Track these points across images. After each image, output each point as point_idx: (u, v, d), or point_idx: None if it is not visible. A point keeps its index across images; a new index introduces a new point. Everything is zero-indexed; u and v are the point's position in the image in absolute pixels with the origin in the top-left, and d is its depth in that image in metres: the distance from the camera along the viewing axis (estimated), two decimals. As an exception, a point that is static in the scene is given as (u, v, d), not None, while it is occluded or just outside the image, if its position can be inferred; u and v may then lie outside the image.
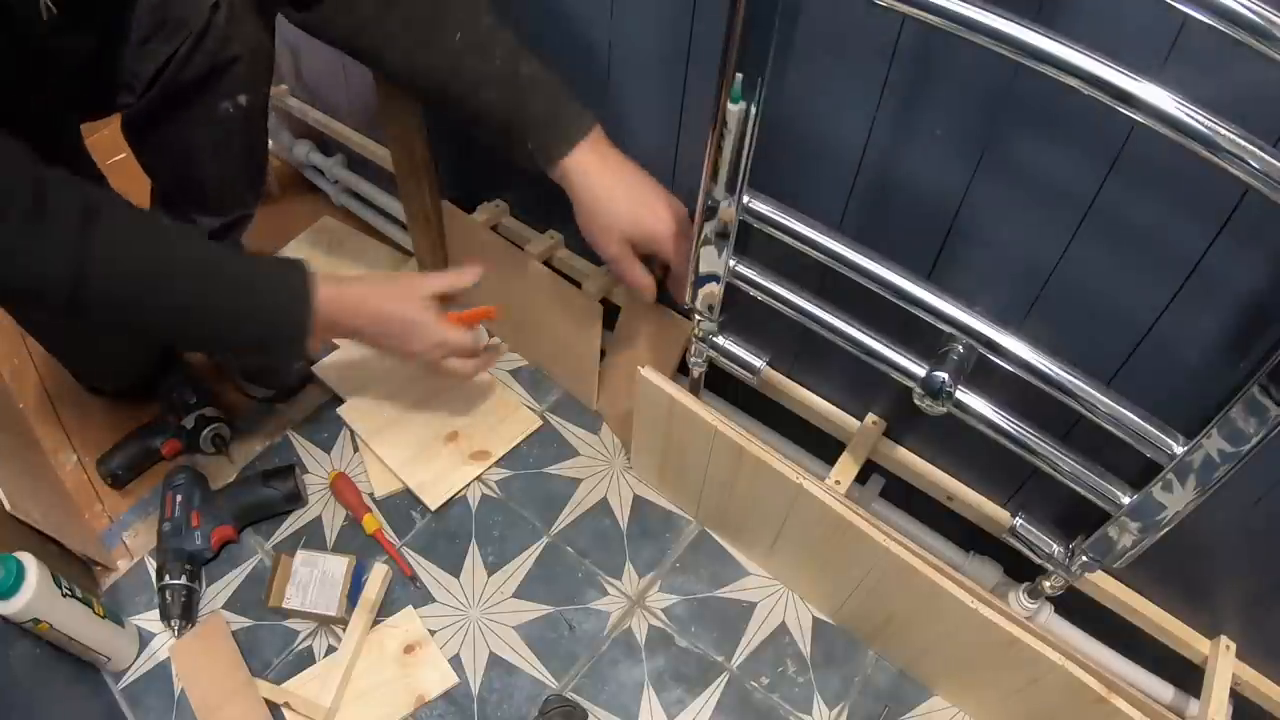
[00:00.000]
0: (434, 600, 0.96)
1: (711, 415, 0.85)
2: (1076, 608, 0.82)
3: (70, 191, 0.69)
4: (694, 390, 0.93)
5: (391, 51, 0.80)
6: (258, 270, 0.81)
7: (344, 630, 0.91)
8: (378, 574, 0.94)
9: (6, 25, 0.69)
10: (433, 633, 0.93)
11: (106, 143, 1.05)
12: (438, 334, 0.89)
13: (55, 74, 0.78)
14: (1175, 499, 0.60)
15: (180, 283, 0.75)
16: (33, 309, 0.70)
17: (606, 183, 0.80)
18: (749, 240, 0.77)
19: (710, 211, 0.70)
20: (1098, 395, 0.62)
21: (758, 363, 0.85)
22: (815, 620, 0.95)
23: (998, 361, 0.65)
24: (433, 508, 1.01)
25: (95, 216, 0.70)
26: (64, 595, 0.80)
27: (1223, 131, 0.44)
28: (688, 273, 0.81)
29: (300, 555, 0.95)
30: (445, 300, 0.91)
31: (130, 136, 0.92)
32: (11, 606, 0.75)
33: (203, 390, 1.06)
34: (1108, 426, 0.62)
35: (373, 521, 1.00)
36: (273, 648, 0.92)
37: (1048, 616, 0.83)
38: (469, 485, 1.04)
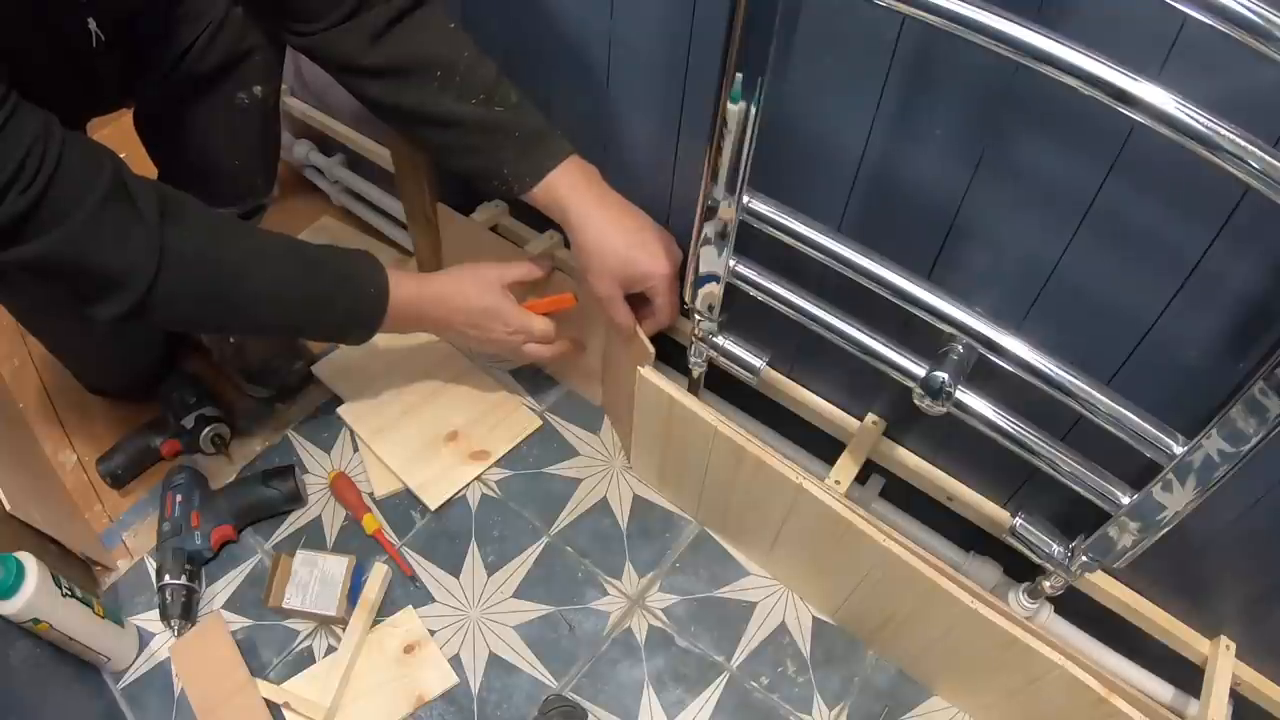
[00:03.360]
0: (434, 600, 0.96)
1: (711, 415, 0.85)
2: (1076, 608, 0.82)
3: (147, 183, 0.70)
4: (694, 390, 0.93)
5: (371, 89, 0.81)
6: (336, 260, 0.83)
7: (344, 630, 0.91)
8: (378, 574, 0.94)
9: (61, 53, 0.70)
10: (433, 633, 0.93)
11: (108, 142, 1.05)
12: (518, 320, 0.91)
13: (95, 87, 0.80)
14: (1175, 499, 0.60)
15: (263, 270, 0.77)
16: (103, 303, 0.70)
17: (605, 226, 0.81)
18: (749, 240, 0.77)
19: (710, 211, 0.70)
20: (1098, 395, 0.62)
21: (758, 363, 0.85)
22: (815, 620, 0.95)
23: (998, 361, 0.65)
24: (433, 508, 1.01)
25: (171, 208, 0.71)
26: (64, 595, 0.80)
27: (1223, 131, 0.44)
28: (671, 321, 0.87)
29: (300, 555, 0.95)
30: (520, 288, 0.93)
31: (144, 128, 0.92)
32: (11, 606, 0.75)
33: (203, 390, 1.06)
34: (1108, 426, 0.62)
35: (372, 521, 1.00)
36: (273, 648, 0.92)
37: (1048, 616, 0.83)
38: (469, 485, 1.04)
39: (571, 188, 0.81)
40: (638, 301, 0.88)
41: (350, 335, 0.86)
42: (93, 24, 0.72)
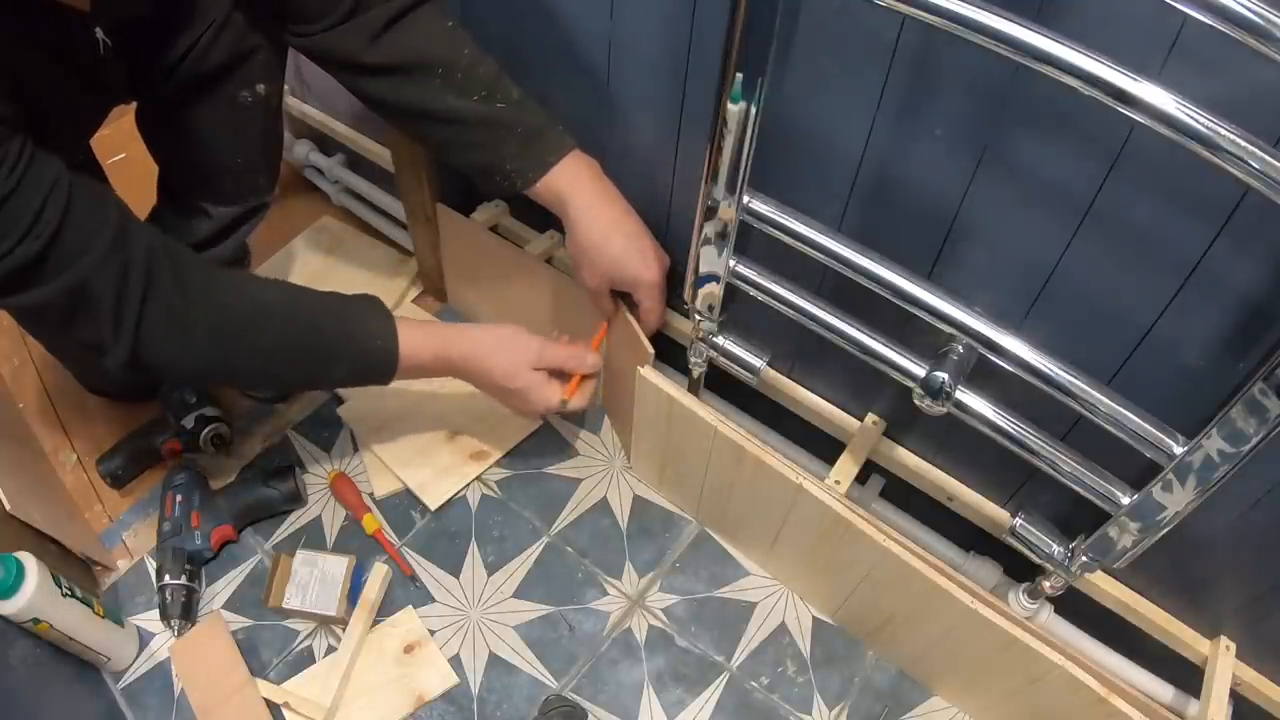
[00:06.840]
0: (434, 600, 0.96)
1: (711, 415, 0.85)
2: (1076, 608, 0.82)
3: (145, 241, 0.70)
4: (694, 390, 0.93)
5: (372, 87, 0.81)
6: (336, 315, 0.82)
7: (344, 630, 0.91)
8: (378, 574, 0.94)
9: (68, 63, 0.71)
10: (433, 633, 0.93)
11: (107, 143, 1.05)
12: (544, 403, 0.89)
13: (103, 95, 0.80)
14: (1175, 499, 0.60)
15: (258, 334, 0.77)
16: (105, 355, 0.72)
17: (602, 226, 0.82)
18: (749, 240, 0.77)
19: (710, 211, 0.70)
20: (1098, 395, 0.62)
21: (758, 363, 0.85)
22: (815, 620, 0.95)
23: (998, 361, 0.65)
24: (433, 508, 1.01)
25: (164, 264, 0.70)
26: (64, 595, 0.80)
27: (1223, 131, 0.44)
28: (658, 325, 0.89)
29: (300, 555, 0.95)
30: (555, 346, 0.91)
31: (145, 126, 0.92)
32: (11, 606, 0.75)
33: (203, 390, 1.06)
34: (1108, 426, 0.62)
35: (373, 521, 1.00)
36: (273, 648, 0.92)
37: (1048, 616, 0.83)
38: (469, 485, 1.04)
39: (572, 183, 0.82)
40: (628, 304, 0.90)
41: (366, 384, 0.86)
42: (100, 33, 0.72)
